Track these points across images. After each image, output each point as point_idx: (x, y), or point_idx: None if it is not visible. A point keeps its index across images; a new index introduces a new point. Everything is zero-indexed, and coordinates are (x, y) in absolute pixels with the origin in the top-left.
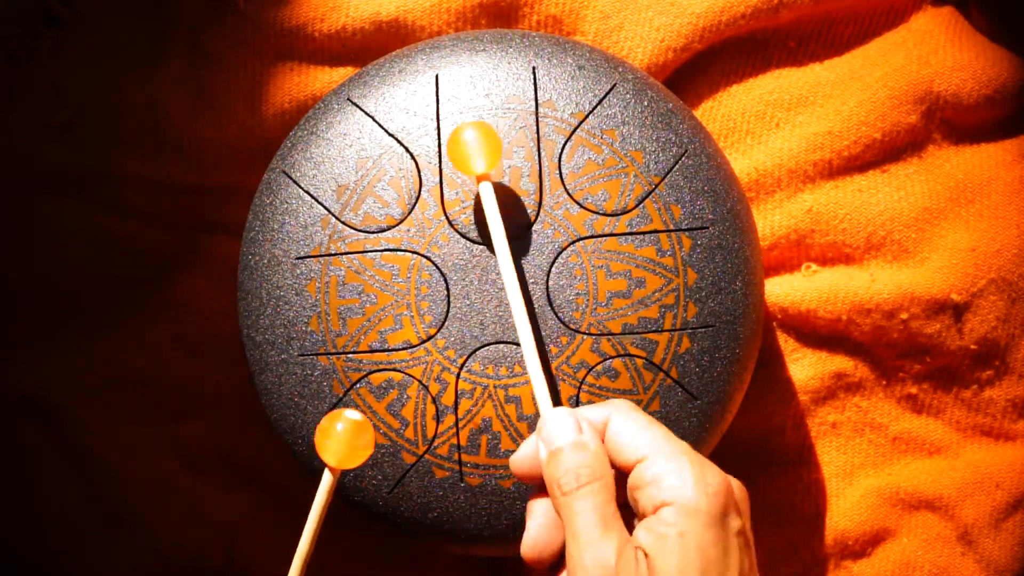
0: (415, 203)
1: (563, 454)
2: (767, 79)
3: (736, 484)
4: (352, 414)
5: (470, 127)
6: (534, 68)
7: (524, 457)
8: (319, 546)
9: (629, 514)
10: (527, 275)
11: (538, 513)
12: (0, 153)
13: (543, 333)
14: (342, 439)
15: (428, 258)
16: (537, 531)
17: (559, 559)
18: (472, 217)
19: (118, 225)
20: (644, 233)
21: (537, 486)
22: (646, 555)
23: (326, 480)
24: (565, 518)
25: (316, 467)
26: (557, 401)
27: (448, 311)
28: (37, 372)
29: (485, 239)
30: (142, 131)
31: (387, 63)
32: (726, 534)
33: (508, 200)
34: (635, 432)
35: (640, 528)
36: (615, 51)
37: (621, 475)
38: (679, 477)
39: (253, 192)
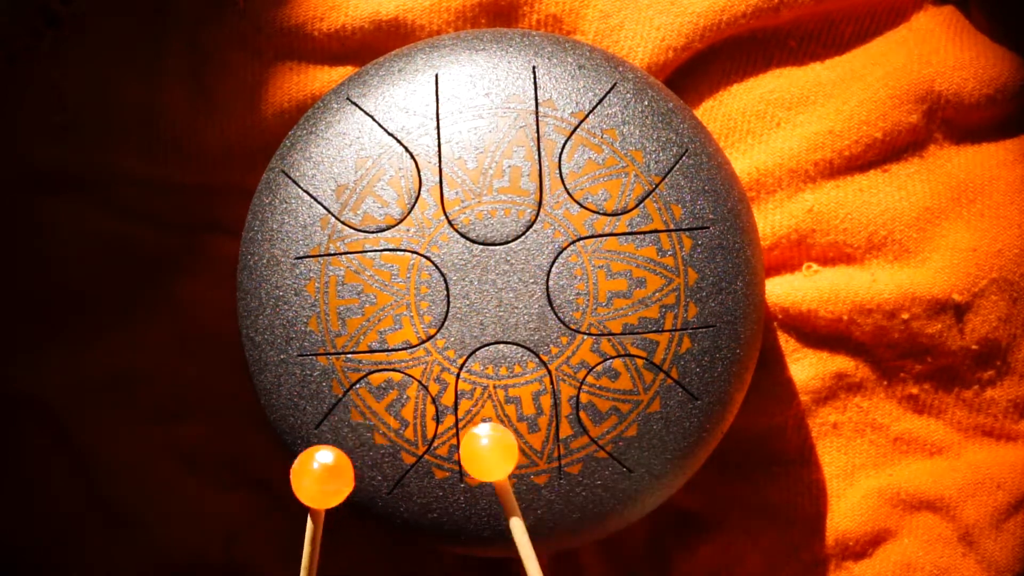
0: (415, 203)
1: None
2: (768, 78)
3: None
4: (324, 456)
5: (486, 436)
6: (534, 67)
7: None
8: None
9: None
10: (527, 275)
11: None
12: (0, 153)
13: (543, 333)
14: (316, 480)
15: (428, 258)
16: None
17: None
18: (472, 217)
19: (118, 225)
20: (644, 233)
21: None
22: None
23: (310, 525)
24: None
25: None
26: None
27: (448, 311)
28: (37, 372)
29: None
30: (142, 131)
31: (387, 62)
32: None
33: None
34: None
35: None
36: (615, 50)
37: None
38: None
39: (253, 192)
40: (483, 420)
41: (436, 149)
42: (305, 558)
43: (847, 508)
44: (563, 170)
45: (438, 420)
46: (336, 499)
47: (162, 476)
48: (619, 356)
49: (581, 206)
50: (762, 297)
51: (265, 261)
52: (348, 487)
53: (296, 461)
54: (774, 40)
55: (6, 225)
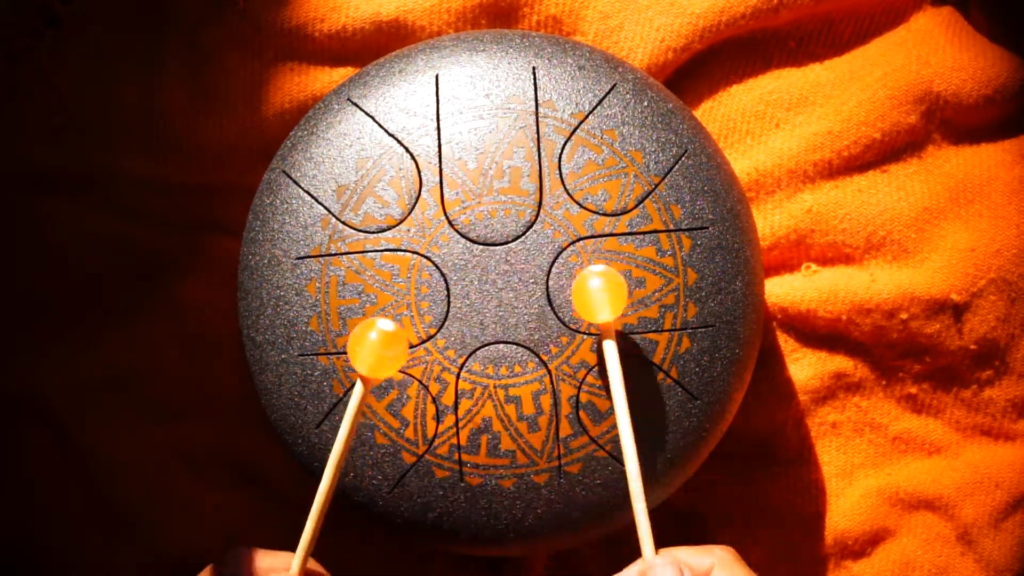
0: (415, 203)
1: None
2: (767, 79)
3: None
4: (385, 324)
5: (596, 276)
6: (534, 68)
7: None
8: (317, 547)
9: None
10: (527, 275)
11: None
12: (0, 153)
13: (543, 333)
14: (374, 348)
15: (428, 258)
16: None
17: None
18: (472, 217)
19: (118, 225)
20: (644, 233)
21: None
22: None
23: (358, 390)
24: None
25: (316, 468)
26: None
27: (448, 311)
28: (37, 372)
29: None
30: (142, 131)
31: (387, 63)
32: None
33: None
34: None
35: None
36: (615, 51)
37: None
38: None
39: (253, 192)
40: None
41: (436, 150)
42: (345, 426)
43: (846, 507)
44: (563, 170)
45: (438, 419)
46: (393, 368)
47: (162, 476)
48: None
49: (581, 206)
50: (761, 297)
51: (266, 261)
52: (404, 357)
53: (355, 331)
54: (773, 41)
55: (6, 225)
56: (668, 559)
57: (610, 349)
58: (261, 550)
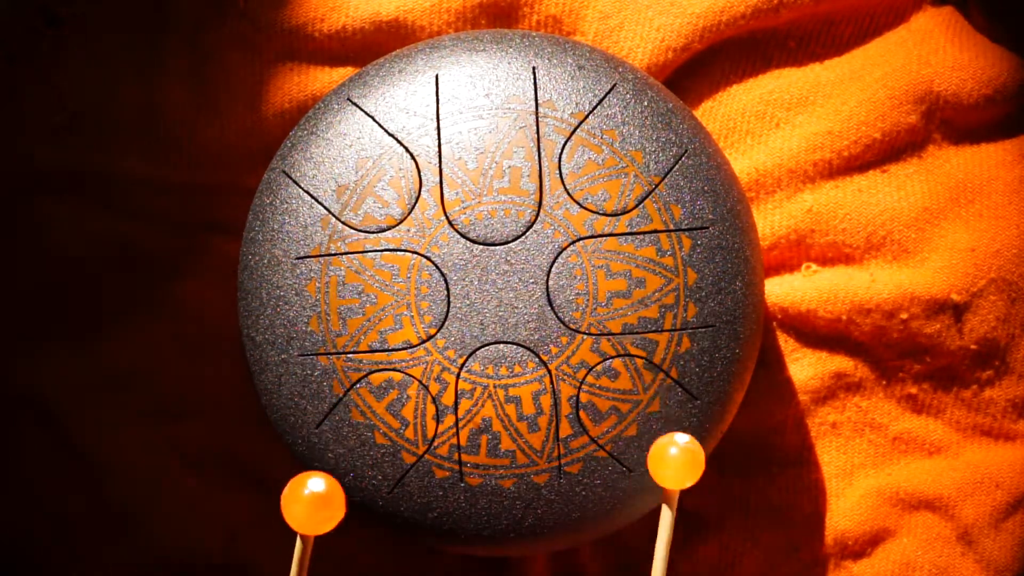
0: (415, 203)
1: None
2: (767, 79)
3: None
4: (316, 484)
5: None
6: (534, 68)
7: None
8: (318, 547)
9: None
10: (527, 275)
11: None
12: (0, 153)
13: (543, 333)
14: (307, 507)
15: (428, 258)
16: None
17: None
18: (472, 217)
19: (118, 225)
20: (644, 233)
21: None
22: None
23: (298, 547)
24: None
25: (315, 468)
26: None
27: (448, 311)
28: (37, 372)
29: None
30: (142, 131)
31: (387, 63)
32: None
33: None
34: None
35: None
36: (615, 51)
37: None
38: None
39: (253, 192)
40: (482, 422)
41: (436, 149)
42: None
43: (846, 508)
44: (563, 170)
45: (438, 420)
46: (327, 526)
47: (162, 476)
48: (619, 356)
49: (581, 206)
50: (761, 297)
51: (266, 261)
52: (339, 513)
53: (287, 487)
54: (773, 41)
55: (6, 225)
56: None
57: (666, 515)
58: None
